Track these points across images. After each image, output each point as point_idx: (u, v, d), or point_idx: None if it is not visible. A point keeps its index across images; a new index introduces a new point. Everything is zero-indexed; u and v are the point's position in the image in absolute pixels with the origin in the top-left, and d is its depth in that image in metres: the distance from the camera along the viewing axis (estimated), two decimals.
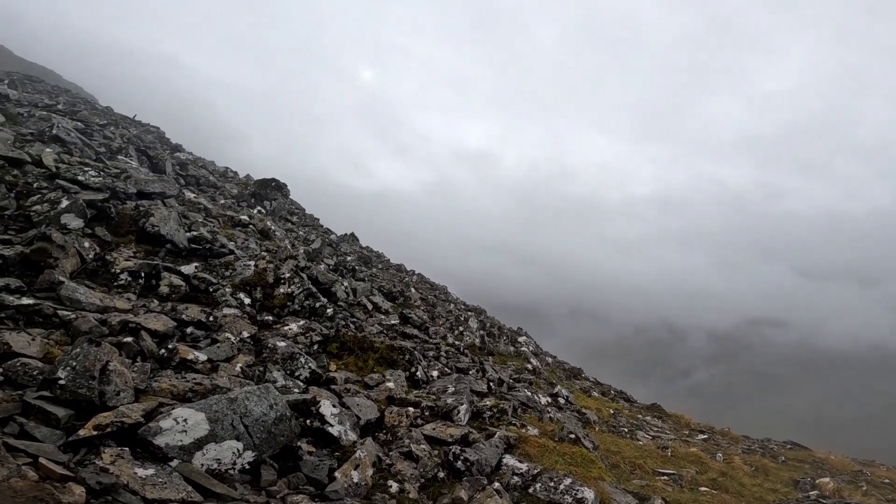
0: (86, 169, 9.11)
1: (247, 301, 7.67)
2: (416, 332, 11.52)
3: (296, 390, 6.25)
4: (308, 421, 5.64)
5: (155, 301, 6.67)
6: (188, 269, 7.58)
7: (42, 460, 3.57)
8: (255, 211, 14.62)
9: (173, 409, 4.36)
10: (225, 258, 8.23)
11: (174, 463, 4.11)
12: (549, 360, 19.43)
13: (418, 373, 8.99)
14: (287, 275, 8.33)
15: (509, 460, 7.30)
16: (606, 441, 10.96)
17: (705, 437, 15.55)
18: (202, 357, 5.83)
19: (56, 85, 32.02)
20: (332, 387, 6.93)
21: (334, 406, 5.74)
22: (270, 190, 15.72)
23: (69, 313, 5.70)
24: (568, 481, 6.65)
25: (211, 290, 7.48)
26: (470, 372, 10.93)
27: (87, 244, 7.12)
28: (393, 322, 11.36)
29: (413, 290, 15.38)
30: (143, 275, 6.92)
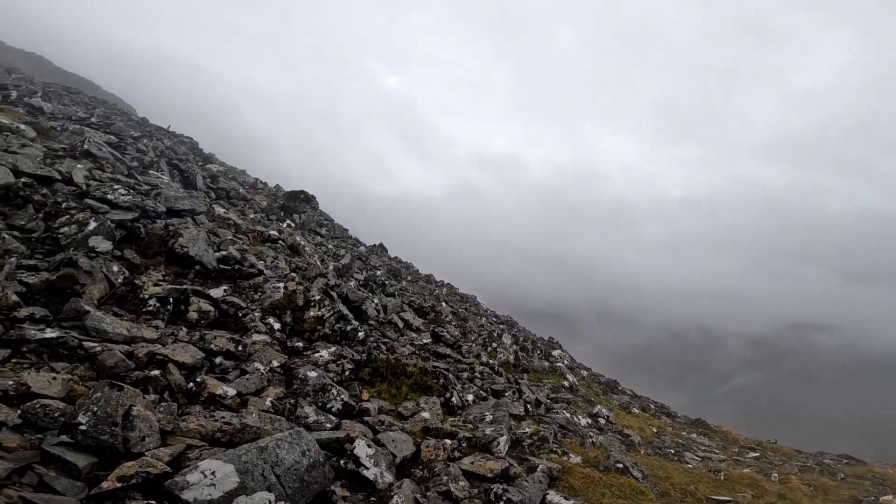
0: (116, 187, 8.99)
1: (276, 326, 7.37)
2: (448, 350, 11.10)
3: (328, 425, 5.89)
4: (342, 462, 5.27)
5: (183, 329, 6.41)
6: (217, 292, 7.32)
7: None
8: (285, 224, 14.45)
9: (201, 460, 4.03)
10: (254, 280, 7.96)
11: None
12: (585, 373, 18.74)
13: (453, 398, 8.56)
14: (317, 297, 8.01)
15: (553, 497, 6.79)
16: (653, 465, 10.32)
17: (757, 454, 14.67)
18: (231, 391, 5.52)
19: (94, 96, 32.74)
20: (366, 418, 6.56)
21: (369, 447, 5.35)
22: (299, 202, 15.56)
23: (95, 345, 5.46)
24: None
25: (240, 314, 7.20)
26: (506, 394, 10.45)
27: (115, 268, 6.92)
28: (425, 341, 10.97)
29: (444, 304, 14.97)
30: (171, 300, 6.67)
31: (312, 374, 6.43)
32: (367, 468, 5.16)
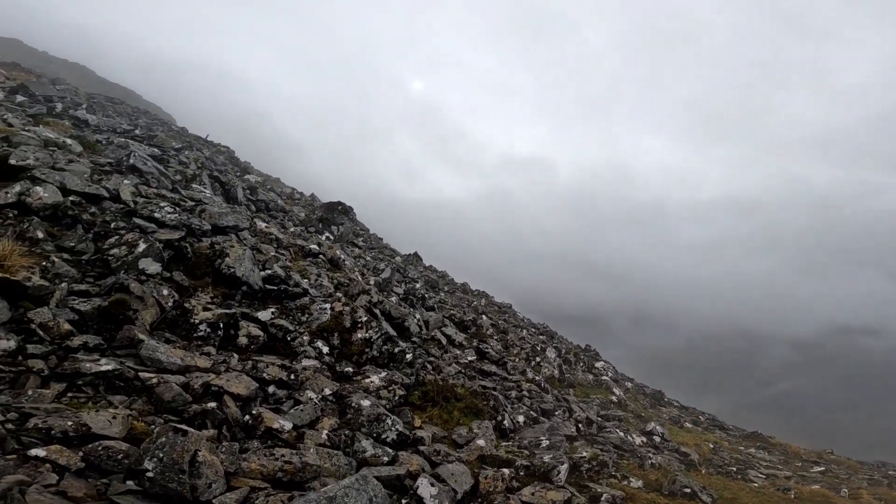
0: (162, 204, 8.96)
1: (325, 350, 7.17)
2: (494, 367, 10.75)
3: (385, 458, 5.63)
4: (404, 501, 4.99)
5: (235, 356, 6.25)
6: (265, 315, 7.16)
7: None
8: (324, 237, 14.36)
9: None
10: (300, 300, 7.79)
11: None
12: (629, 385, 18.11)
13: (505, 421, 8.22)
14: (364, 318, 7.79)
15: None
16: (717, 485, 9.75)
17: (822, 468, 13.85)
18: (287, 425, 5.31)
19: (136, 107, 33.47)
20: (421, 448, 6.29)
21: (432, 485, 5.06)
22: (337, 214, 15.47)
23: (151, 376, 5.33)
24: None
25: (288, 338, 7.02)
26: (556, 413, 10.05)
27: (165, 291, 6.82)
28: (470, 359, 10.65)
29: (484, 317, 14.64)
30: (221, 325, 6.53)
31: (366, 402, 6.18)
32: None
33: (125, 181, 10.18)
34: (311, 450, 5.12)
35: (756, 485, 10.33)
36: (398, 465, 5.60)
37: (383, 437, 6.05)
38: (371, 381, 6.94)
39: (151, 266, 7.25)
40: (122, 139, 15.23)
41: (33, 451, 3.89)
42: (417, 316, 10.97)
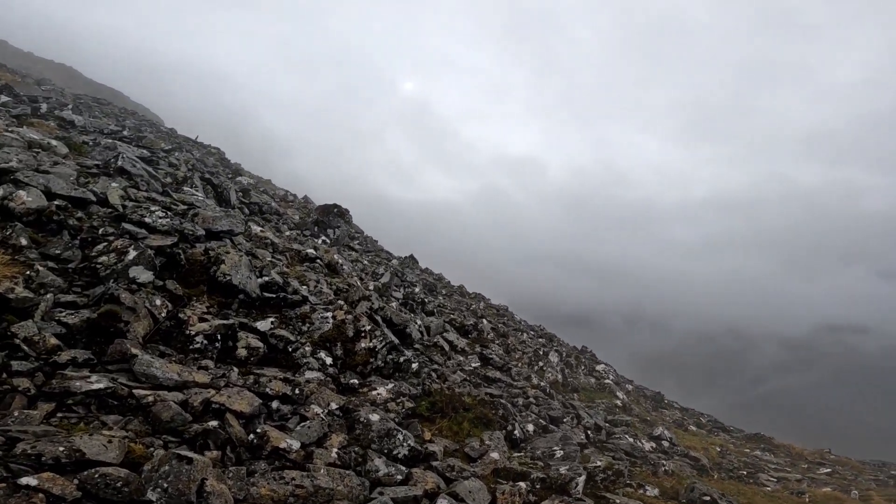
0: (153, 208, 8.54)
1: (328, 360, 6.82)
2: (498, 374, 10.47)
3: (398, 476, 5.31)
4: None
5: (234, 369, 5.89)
6: (264, 325, 6.80)
7: None
8: (320, 241, 13.97)
9: None
10: (300, 309, 7.44)
11: None
12: (629, 387, 17.92)
13: (515, 431, 7.94)
14: (367, 327, 7.46)
15: None
16: (731, 491, 9.55)
17: (828, 470, 13.76)
18: (295, 444, 4.97)
19: (123, 107, 32.67)
20: (434, 463, 5.98)
21: None
22: (333, 217, 15.09)
23: (146, 393, 4.95)
24: None
25: (290, 349, 6.67)
26: (564, 420, 9.78)
27: (158, 301, 6.43)
28: (474, 365, 10.36)
29: (484, 321, 14.34)
30: (219, 337, 6.16)
31: (375, 417, 5.85)
32: None
33: (113, 184, 9.73)
34: (322, 470, 4.78)
35: (769, 489, 10.15)
36: (413, 485, 5.29)
37: (395, 453, 5.73)
38: (378, 394, 6.61)
39: (143, 274, 6.85)
40: (110, 140, 14.71)
41: (24, 480, 3.51)
42: (419, 322, 10.66)
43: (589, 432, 9.87)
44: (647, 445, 10.35)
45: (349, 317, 7.55)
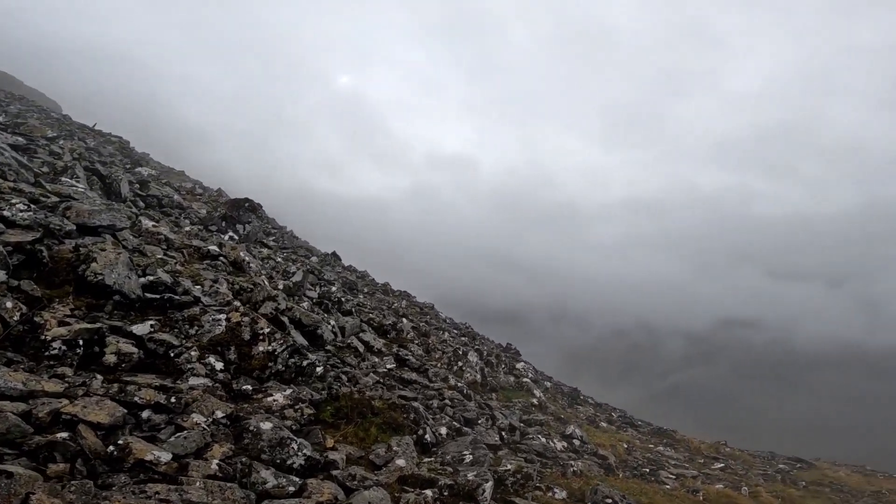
0: (14, 201, 7.44)
1: (219, 366, 6.18)
2: (415, 375, 10.15)
3: (291, 488, 4.83)
4: None
5: (98, 377, 5.14)
6: (142, 328, 6.05)
7: None
8: (227, 237, 13.00)
9: None
10: (189, 310, 6.72)
11: None
12: (548, 384, 18.25)
13: (427, 435, 7.65)
14: (266, 330, 6.87)
15: None
16: (634, 490, 9.80)
17: (721, 464, 14.63)
18: (164, 456, 4.37)
19: (10, 92, 29.41)
20: (334, 472, 5.55)
21: None
22: (244, 212, 14.09)
23: None
24: None
25: (172, 354, 5.97)
26: (479, 421, 9.64)
27: (9, 304, 5.52)
28: (389, 367, 9.98)
29: (405, 320, 13.98)
30: (80, 342, 5.37)
31: (267, 425, 5.33)
32: None
33: None
34: (198, 483, 4.23)
35: (668, 486, 10.56)
36: (306, 497, 4.84)
37: (289, 463, 5.24)
38: (274, 400, 6.07)
39: None
40: None
41: None
42: (332, 322, 10.13)
43: (503, 433, 9.79)
44: (559, 445, 10.44)
45: (246, 318, 6.93)
